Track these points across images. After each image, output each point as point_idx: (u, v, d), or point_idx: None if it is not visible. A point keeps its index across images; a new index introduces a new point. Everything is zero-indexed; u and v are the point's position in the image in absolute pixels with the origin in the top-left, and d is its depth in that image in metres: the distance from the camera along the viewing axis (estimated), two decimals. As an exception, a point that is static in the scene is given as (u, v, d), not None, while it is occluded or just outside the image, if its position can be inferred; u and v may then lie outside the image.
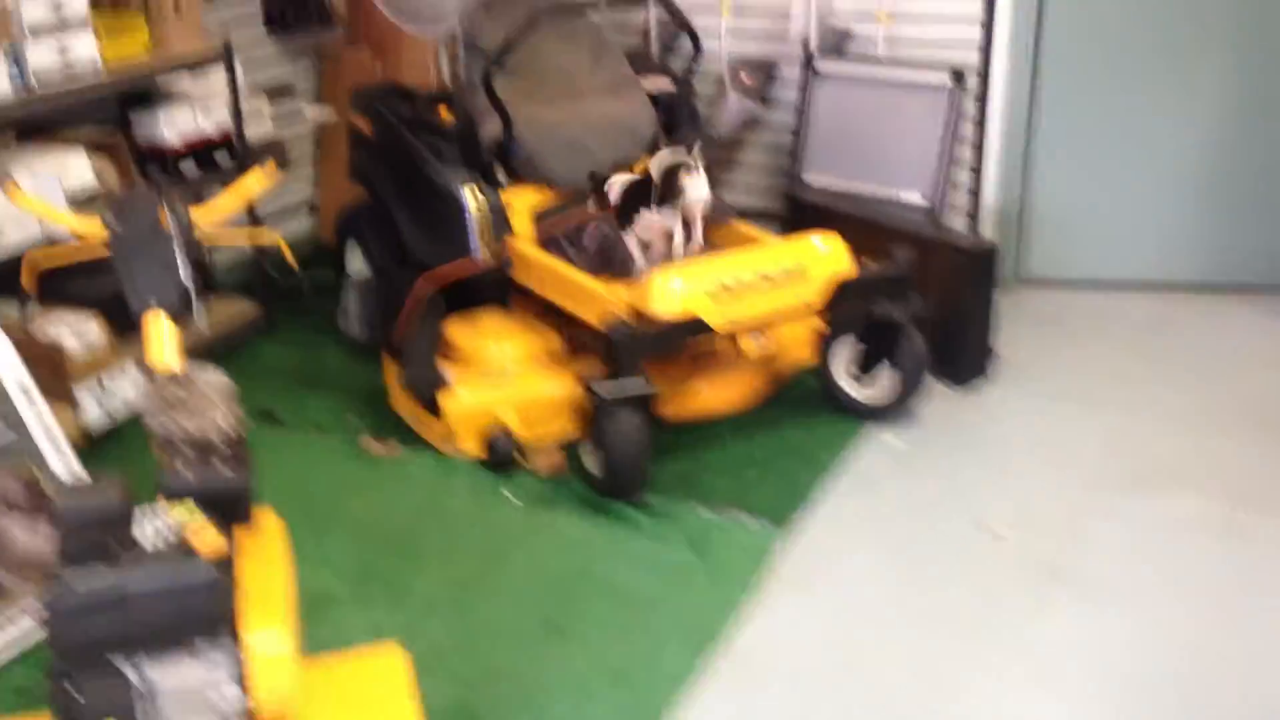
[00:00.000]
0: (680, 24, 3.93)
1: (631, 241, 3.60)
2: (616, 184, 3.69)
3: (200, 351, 3.95)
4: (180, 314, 2.31)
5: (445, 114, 3.91)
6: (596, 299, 3.37)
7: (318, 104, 4.96)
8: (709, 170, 4.04)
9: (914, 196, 4.24)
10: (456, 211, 3.67)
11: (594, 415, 3.16)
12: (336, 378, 4.00)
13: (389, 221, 3.93)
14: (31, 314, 3.50)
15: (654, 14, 4.68)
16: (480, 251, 3.68)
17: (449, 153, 3.75)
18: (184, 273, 2.31)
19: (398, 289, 3.72)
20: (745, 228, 3.80)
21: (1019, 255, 4.53)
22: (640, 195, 3.67)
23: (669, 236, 3.60)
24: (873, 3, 4.37)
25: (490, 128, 3.73)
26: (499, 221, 3.69)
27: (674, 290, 3.20)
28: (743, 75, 4.59)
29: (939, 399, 3.75)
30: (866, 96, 4.30)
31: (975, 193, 4.42)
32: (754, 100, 4.57)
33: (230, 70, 4.01)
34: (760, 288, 3.28)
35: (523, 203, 3.74)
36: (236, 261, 4.56)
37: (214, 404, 2.08)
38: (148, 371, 2.21)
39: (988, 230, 4.48)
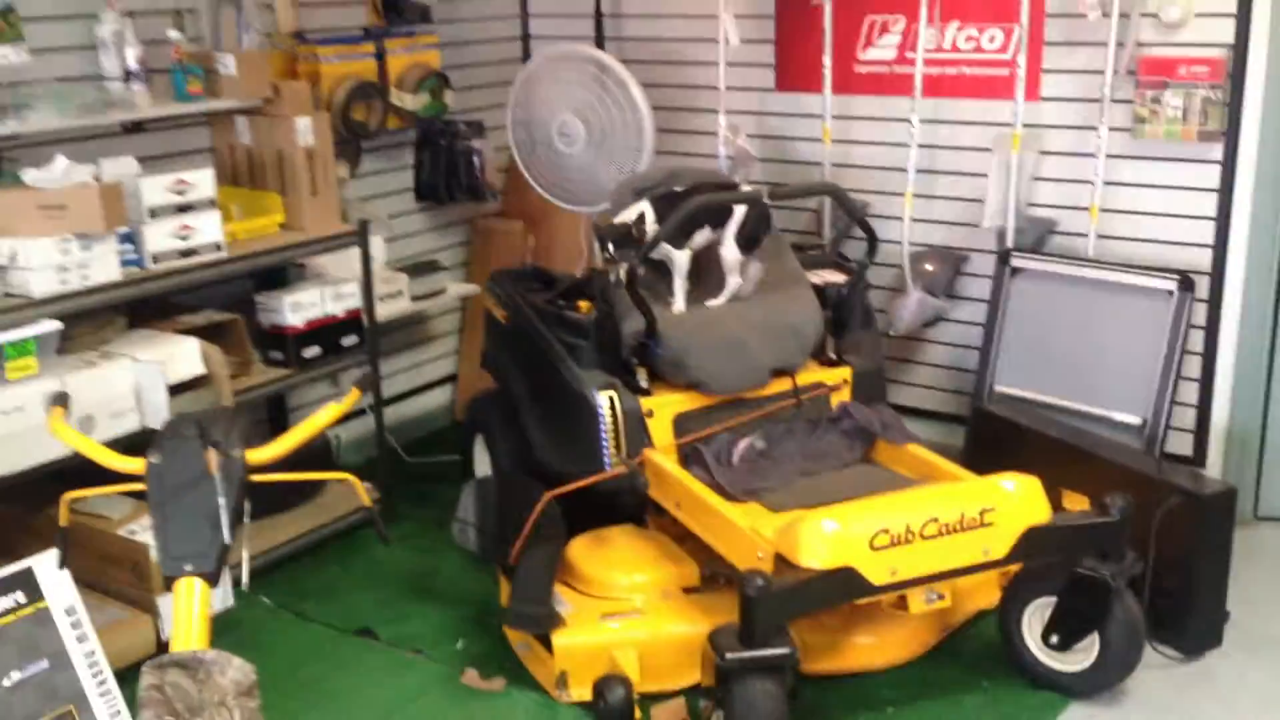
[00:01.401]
0: (855, 218, 3.47)
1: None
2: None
3: (310, 542, 3.73)
4: (216, 577, 1.94)
5: (586, 306, 3.52)
6: (736, 535, 2.87)
7: (464, 281, 4.69)
8: (879, 372, 3.57)
9: (1128, 417, 3.60)
10: (588, 417, 3.24)
11: (721, 678, 2.62)
12: (450, 588, 3.58)
13: (517, 420, 3.55)
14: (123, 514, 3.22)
15: (828, 200, 4.25)
16: (613, 464, 3.24)
17: (586, 350, 3.35)
18: (226, 529, 1.94)
19: (519, 499, 3.30)
20: (922, 453, 3.24)
21: (1258, 489, 3.80)
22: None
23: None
24: (1082, 194, 3.82)
25: (633, 322, 3.33)
26: (635, 431, 3.25)
27: (826, 535, 2.67)
28: (926, 265, 4.08)
29: (1158, 673, 3.05)
30: (1073, 299, 3.72)
31: (1203, 413, 3.75)
32: (938, 294, 4.05)
33: (365, 249, 3.75)
34: (934, 537, 2.71)
35: (666, 411, 3.29)
36: (363, 441, 4.25)
37: (222, 709, 1.65)
38: (158, 650, 1.81)
39: (1215, 456, 3.79)
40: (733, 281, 3.41)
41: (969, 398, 4.11)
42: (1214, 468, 3.78)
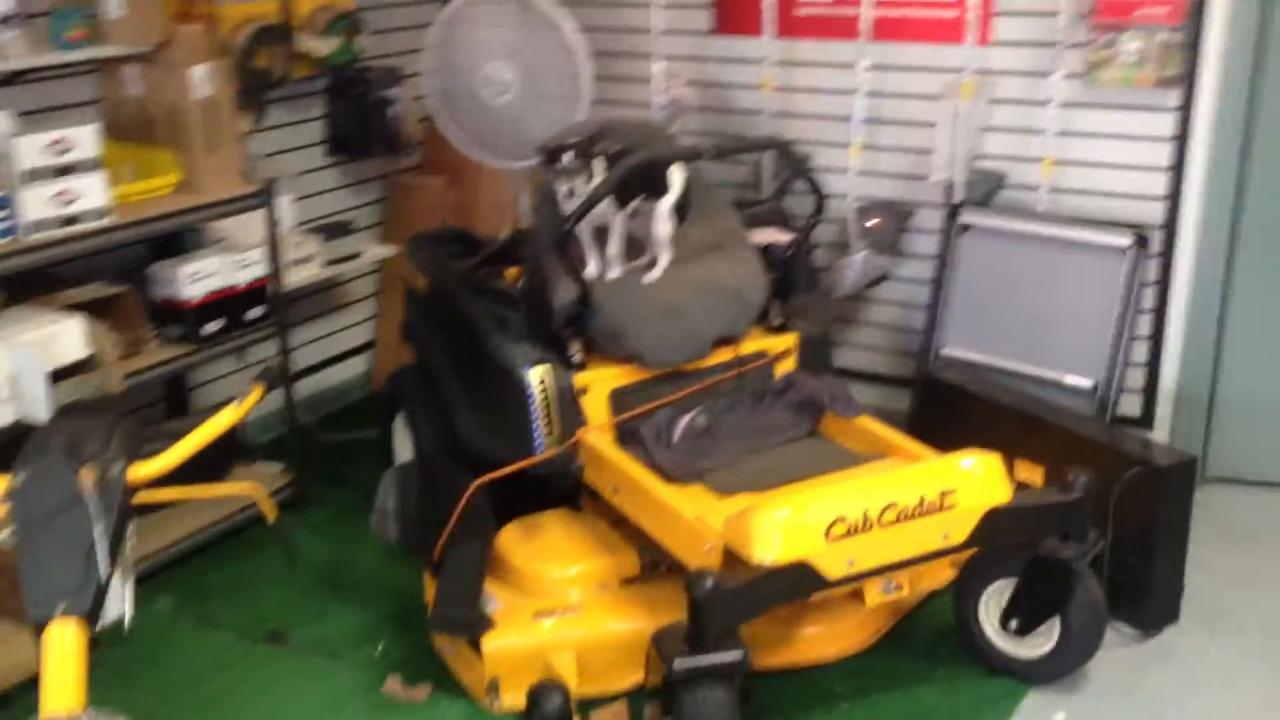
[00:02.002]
0: (800, 174, 3.25)
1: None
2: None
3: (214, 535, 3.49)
4: (93, 620, 1.69)
5: (514, 274, 3.27)
6: (681, 526, 2.66)
7: (382, 242, 4.40)
8: (826, 338, 3.37)
9: (1080, 381, 3.45)
10: (517, 395, 3.00)
11: (668, 684, 2.43)
12: (369, 582, 3.34)
13: (440, 399, 3.30)
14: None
15: (767, 154, 4.02)
16: (545, 446, 3.01)
17: (513, 321, 3.10)
18: (104, 561, 1.68)
19: (444, 487, 3.05)
20: (872, 426, 3.05)
21: (1206, 450, 3.68)
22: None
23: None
24: (1034, 145, 3.63)
25: (565, 291, 3.08)
26: (569, 410, 3.02)
27: (779, 527, 2.47)
28: (871, 220, 3.88)
29: (1117, 652, 2.93)
30: (1024, 256, 3.55)
31: (1152, 373, 3.62)
32: (884, 253, 3.85)
33: (270, 212, 3.45)
34: (892, 524, 2.53)
35: (601, 386, 3.07)
36: (272, 417, 3.97)
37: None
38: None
39: (1164, 417, 3.67)
40: (664, 258, 3.17)
41: (915, 360, 3.94)
42: (1162, 429, 3.66)
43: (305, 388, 4.30)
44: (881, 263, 3.82)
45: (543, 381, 3.01)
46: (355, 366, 4.56)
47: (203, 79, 3.29)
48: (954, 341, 3.67)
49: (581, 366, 3.07)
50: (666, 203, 3.09)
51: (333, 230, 3.96)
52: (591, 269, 3.15)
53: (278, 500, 3.62)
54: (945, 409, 3.45)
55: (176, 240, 3.52)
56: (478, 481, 2.95)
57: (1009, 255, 3.57)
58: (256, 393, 2.20)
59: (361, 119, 4.13)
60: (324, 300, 4.34)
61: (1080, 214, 3.58)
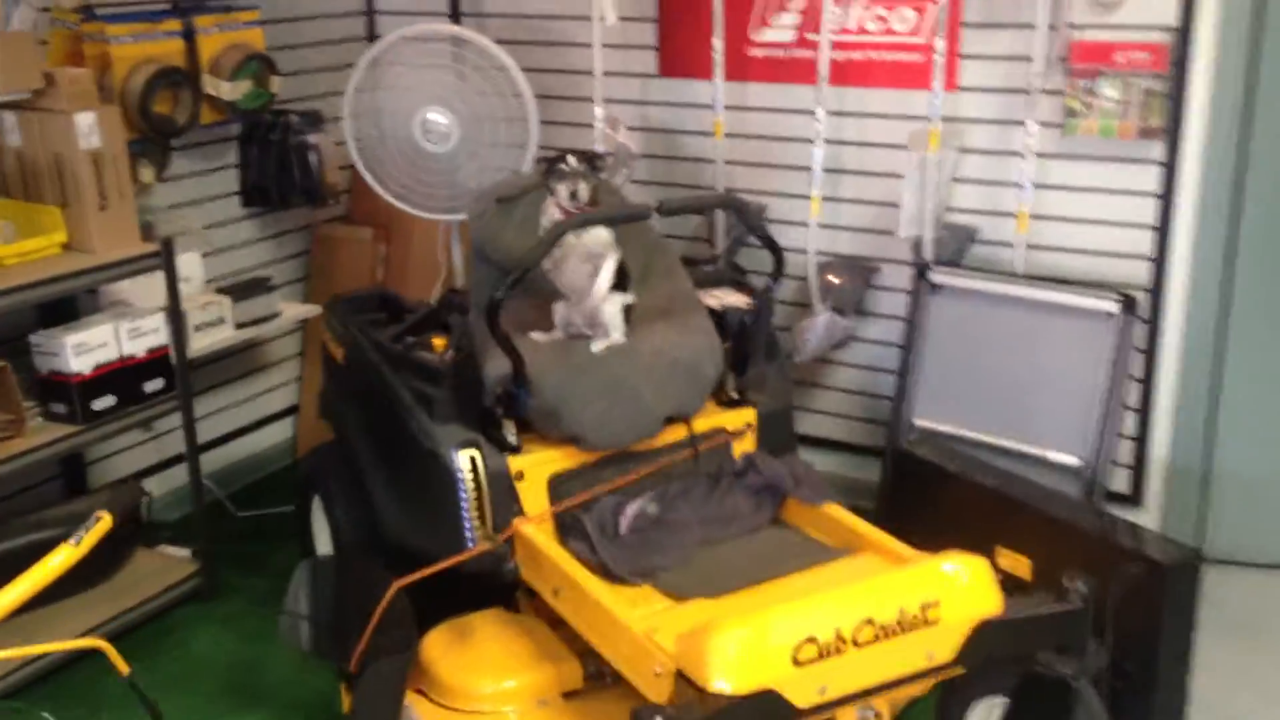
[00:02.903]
0: (758, 235, 2.95)
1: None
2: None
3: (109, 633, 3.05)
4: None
5: (441, 343, 2.93)
6: (629, 642, 2.33)
7: (304, 300, 4.05)
8: (788, 413, 3.07)
9: (1065, 458, 3.17)
10: (444, 482, 2.67)
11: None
12: (284, 688, 2.98)
13: (360, 483, 2.95)
14: None
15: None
16: (476, 540, 2.68)
17: (440, 399, 2.76)
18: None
19: (361, 586, 2.71)
20: (841, 515, 2.74)
21: (1202, 530, 3.41)
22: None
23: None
24: (1008, 198, 3.37)
25: (497, 365, 2.76)
26: (503, 498, 2.69)
27: (740, 651, 2.14)
28: (833, 277, 3.59)
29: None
30: (1000, 319, 3.27)
31: (1141, 446, 3.35)
32: (847, 312, 3.57)
33: (171, 273, 3.09)
34: (869, 643, 2.21)
35: (539, 471, 2.74)
36: (182, 492, 3.59)
37: None
38: None
39: (1155, 493, 3.40)
40: (616, 335, 2.86)
41: (883, 428, 3.65)
42: (1153, 507, 3.40)
43: (220, 458, 3.94)
44: (846, 325, 3.54)
45: (473, 466, 2.68)
46: (277, 433, 4.20)
47: (90, 128, 2.94)
48: (926, 411, 3.38)
49: (516, 449, 2.74)
50: (604, 281, 2.79)
51: (247, 288, 3.60)
52: (529, 338, 2.84)
53: (183, 592, 3.28)
54: (918, 488, 3.15)
55: (68, 304, 3.16)
56: (397, 584, 2.60)
57: (984, 318, 3.29)
58: (103, 524, 1.88)
59: (279, 167, 3.79)
60: (241, 362, 3.98)
61: (1060, 273, 3.32)
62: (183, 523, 3.58)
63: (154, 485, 3.67)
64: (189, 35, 3.43)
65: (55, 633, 2.99)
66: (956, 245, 3.43)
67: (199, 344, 3.41)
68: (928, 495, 3.11)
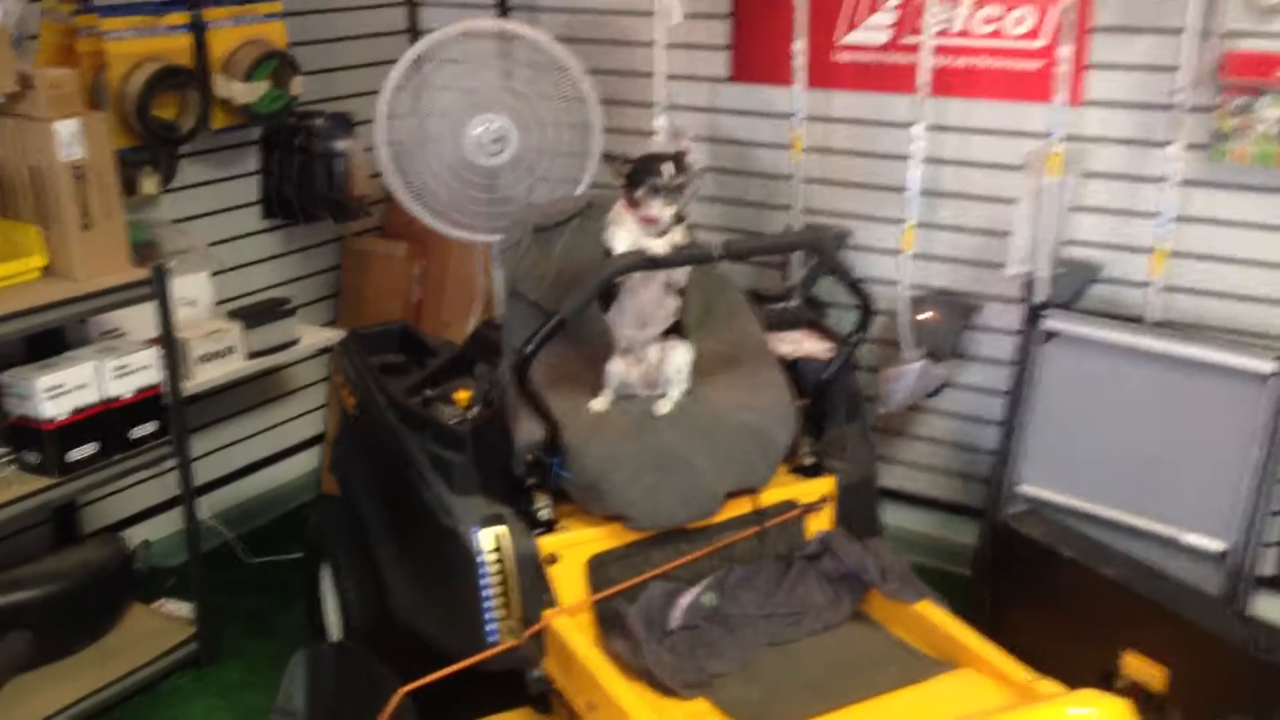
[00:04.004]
0: (842, 279, 2.48)
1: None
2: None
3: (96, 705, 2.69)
4: None
5: (465, 397, 2.50)
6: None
7: (333, 321, 3.66)
8: (872, 484, 2.60)
9: (1205, 541, 2.66)
10: (464, 565, 2.25)
11: None
12: (277, 786, 2.58)
13: (371, 557, 2.54)
14: None
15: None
16: (500, 634, 2.25)
17: (461, 466, 2.34)
18: None
19: (363, 685, 2.29)
20: (937, 618, 2.27)
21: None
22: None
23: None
24: (1141, 232, 2.86)
25: (530, 429, 2.33)
26: (533, 586, 2.26)
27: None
28: (928, 315, 3.11)
29: None
30: (1127, 374, 2.77)
31: (1292, 527, 2.83)
32: (943, 356, 3.08)
33: (164, 304, 2.70)
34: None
35: (577, 553, 2.30)
36: (175, 545, 3.21)
37: None
38: None
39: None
40: (675, 392, 2.42)
41: (980, 485, 3.17)
42: (1306, 596, 2.87)
43: (234, 495, 3.56)
44: (941, 373, 3.05)
45: (497, 547, 2.26)
46: (300, 465, 3.81)
47: (71, 137, 2.55)
48: (1035, 476, 2.89)
49: (549, 526, 2.32)
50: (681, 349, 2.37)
51: (262, 313, 3.21)
52: (569, 397, 2.40)
53: (178, 658, 2.90)
54: (1024, 573, 2.69)
55: (55, 337, 2.78)
56: (403, 690, 2.18)
57: (1108, 372, 2.79)
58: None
59: (302, 175, 3.39)
60: (259, 389, 3.59)
61: (1201, 322, 2.81)
62: (187, 569, 3.20)
63: (160, 526, 3.31)
64: (198, 30, 3.03)
65: (39, 708, 2.63)
66: (1075, 285, 2.93)
67: (204, 377, 3.03)
68: (1036, 582, 2.65)
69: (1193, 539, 2.67)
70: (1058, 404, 2.86)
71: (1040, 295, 2.89)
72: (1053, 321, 2.85)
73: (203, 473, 3.41)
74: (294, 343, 3.28)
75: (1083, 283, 2.94)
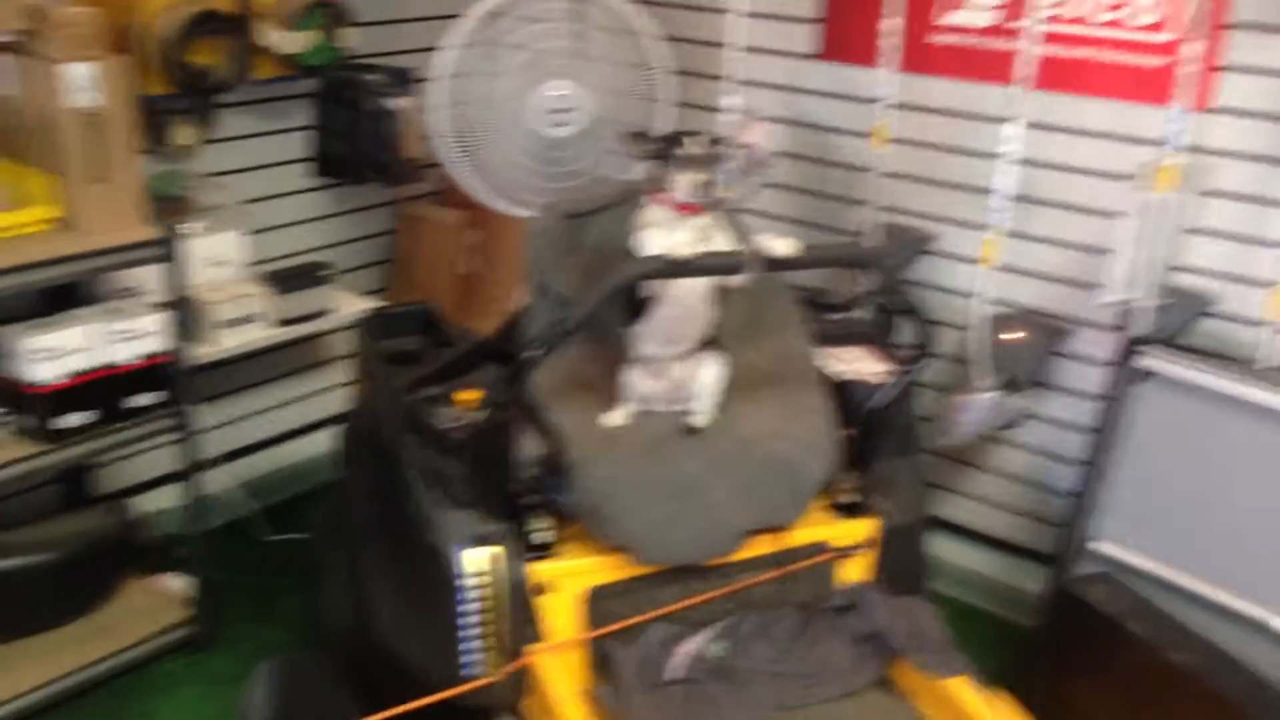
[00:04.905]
0: (898, 304, 2.17)
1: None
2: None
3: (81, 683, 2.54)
4: None
5: (470, 398, 2.27)
6: None
7: (384, 288, 3.48)
8: (920, 532, 2.31)
9: (1307, 630, 2.31)
10: (445, 587, 2.04)
11: None
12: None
13: (356, 564, 2.35)
14: None
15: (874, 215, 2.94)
16: (478, 667, 2.04)
17: (455, 476, 2.12)
18: None
19: (318, 707, 2.11)
20: (970, 699, 1.98)
21: None
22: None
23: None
24: (1261, 262, 2.49)
25: (528, 446, 2.10)
26: (519, 616, 2.04)
27: None
28: (1009, 335, 2.78)
29: None
30: (1232, 427, 2.40)
31: None
32: (1022, 384, 2.75)
33: (176, 267, 2.54)
34: None
35: (574, 583, 2.08)
36: (176, 516, 3.06)
37: None
38: None
39: None
40: (701, 414, 2.16)
41: (1051, 530, 2.84)
42: None
43: (261, 464, 3.43)
44: (1019, 405, 2.73)
45: (484, 570, 2.04)
46: (331, 439, 3.64)
47: (83, 82, 2.38)
48: (1113, 531, 2.55)
49: (545, 550, 2.09)
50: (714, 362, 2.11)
51: (295, 278, 3.03)
52: (580, 407, 2.17)
53: (172, 640, 2.76)
54: (1088, 645, 2.37)
55: (71, 292, 2.64)
56: (358, 721, 1.99)
57: (1209, 422, 2.43)
58: None
59: (352, 133, 3.19)
60: (293, 355, 3.43)
61: (1324, 374, 2.44)
62: (205, 538, 3.06)
63: (177, 493, 3.18)
64: (245, -29, 2.85)
65: (19, 683, 2.52)
66: (1182, 317, 2.57)
67: (227, 343, 2.87)
68: (1099, 659, 2.33)
69: (1294, 625, 2.31)
70: (1147, 453, 2.51)
71: (1139, 327, 2.54)
72: (1151, 359, 2.49)
73: (226, 441, 3.28)
74: (328, 311, 3.09)
75: (1191, 315, 2.58)
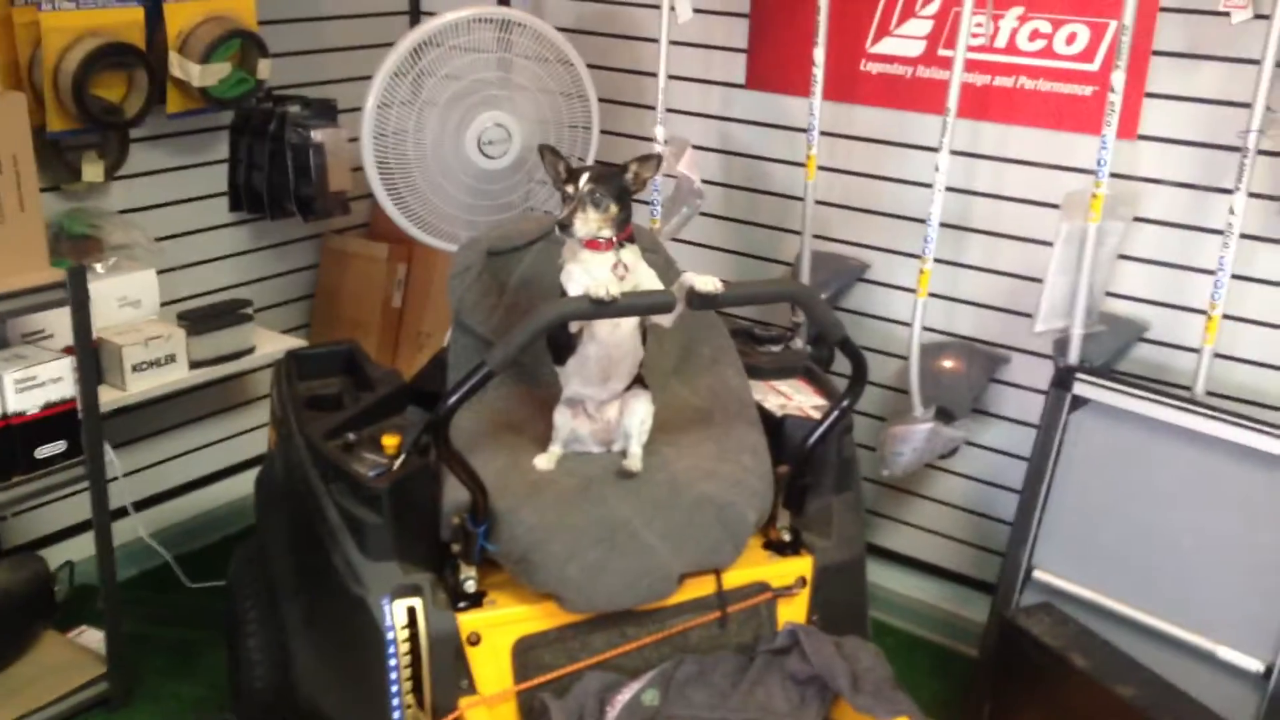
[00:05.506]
0: (832, 339, 2.12)
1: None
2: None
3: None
4: None
5: (392, 443, 2.19)
6: None
7: (308, 324, 3.38)
8: (859, 570, 2.27)
9: (1241, 657, 2.29)
10: (369, 639, 1.95)
11: None
12: None
13: (277, 615, 2.25)
14: None
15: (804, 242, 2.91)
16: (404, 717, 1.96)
17: (376, 525, 2.03)
18: None
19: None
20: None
21: None
22: None
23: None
24: (1195, 290, 2.49)
25: (452, 492, 2.02)
26: (448, 670, 1.95)
27: None
28: (945, 363, 2.76)
29: None
30: (1168, 455, 2.39)
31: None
32: (959, 413, 2.73)
33: (81, 310, 2.42)
34: None
35: (503, 634, 1.99)
36: (126, 554, 2.94)
37: None
38: None
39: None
40: (634, 457, 2.10)
41: (994, 558, 2.81)
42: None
43: (182, 509, 3.30)
44: (954, 435, 2.70)
45: (410, 622, 1.95)
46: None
47: (-24, 118, 2.28)
48: (1053, 561, 2.52)
49: (474, 600, 2.00)
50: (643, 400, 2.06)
51: (212, 317, 2.92)
52: (504, 452, 2.09)
53: (86, 698, 2.63)
54: (1031, 679, 2.33)
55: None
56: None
57: (1144, 450, 2.41)
58: None
59: (272, 167, 3.10)
60: (214, 397, 3.32)
61: (1258, 397, 2.43)
62: (121, 589, 2.93)
63: (91, 543, 3.05)
64: (153, 2, 2.75)
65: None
66: (1115, 345, 2.56)
67: (139, 387, 2.76)
68: (1043, 693, 2.30)
69: (1228, 654, 2.29)
70: (1084, 481, 2.49)
71: (1073, 355, 2.52)
72: (1084, 387, 2.47)
73: (145, 487, 3.16)
74: (248, 351, 2.99)
75: (1124, 342, 2.57)
